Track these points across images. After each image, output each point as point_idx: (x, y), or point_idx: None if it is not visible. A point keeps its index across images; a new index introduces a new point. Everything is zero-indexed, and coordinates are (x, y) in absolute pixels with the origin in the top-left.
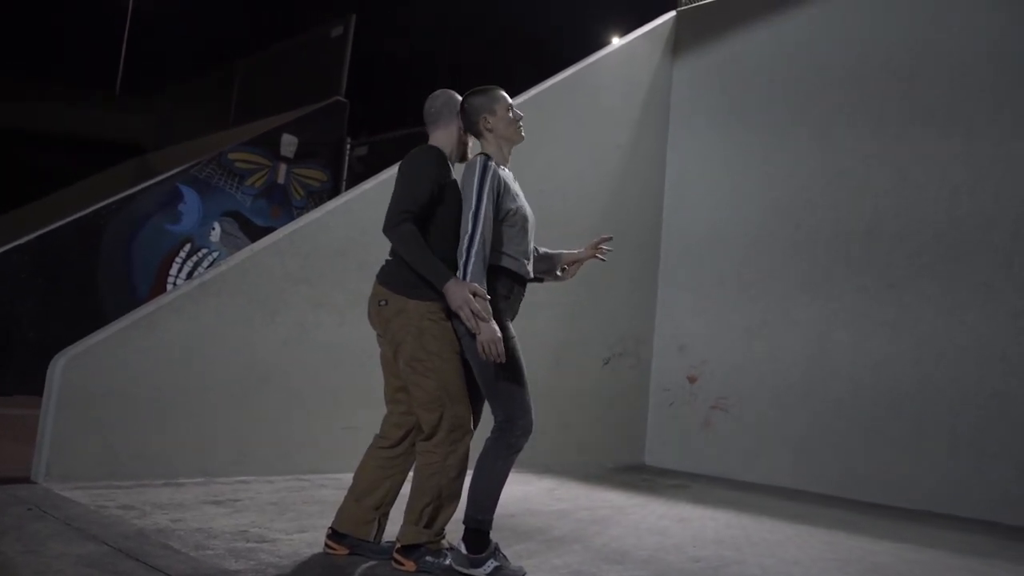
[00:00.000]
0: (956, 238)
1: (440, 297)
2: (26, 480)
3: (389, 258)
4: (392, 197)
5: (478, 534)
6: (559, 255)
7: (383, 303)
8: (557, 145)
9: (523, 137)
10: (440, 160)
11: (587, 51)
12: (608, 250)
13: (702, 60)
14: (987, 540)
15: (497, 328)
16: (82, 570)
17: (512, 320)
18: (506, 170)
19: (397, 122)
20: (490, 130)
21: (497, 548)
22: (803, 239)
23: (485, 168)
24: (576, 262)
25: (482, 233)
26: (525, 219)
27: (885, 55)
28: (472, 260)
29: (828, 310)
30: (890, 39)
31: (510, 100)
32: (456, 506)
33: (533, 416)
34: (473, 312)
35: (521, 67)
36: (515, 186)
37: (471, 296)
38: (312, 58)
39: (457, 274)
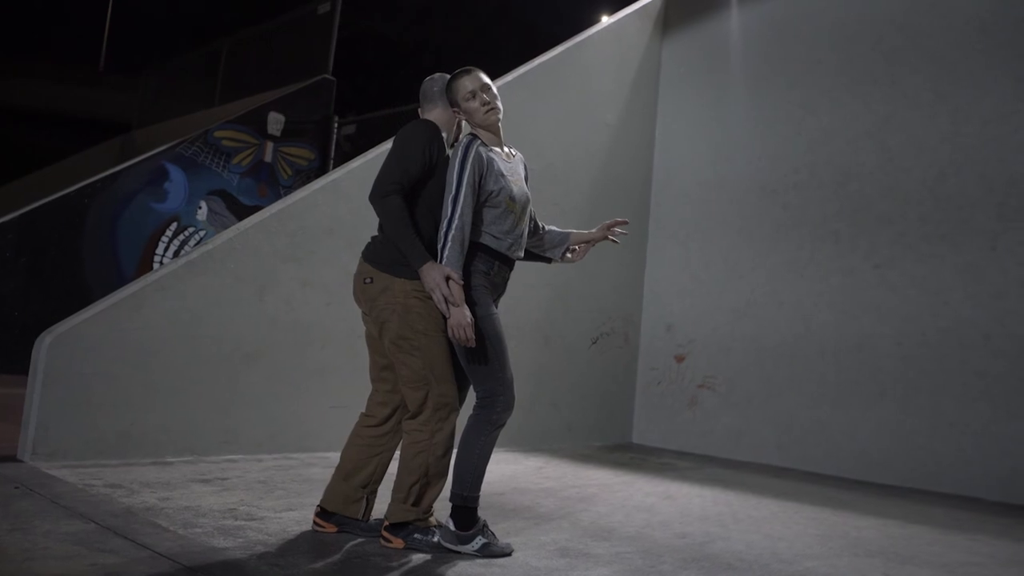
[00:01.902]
0: (941, 219)
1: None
2: (12, 459)
3: (376, 235)
4: (383, 166)
5: (465, 511)
6: (568, 234)
7: (368, 281)
8: (546, 123)
9: (496, 119)
10: (435, 135)
11: (577, 29)
12: (623, 233)
13: (692, 38)
14: (970, 516)
15: (468, 313)
16: (69, 548)
17: (498, 298)
18: (496, 150)
19: (385, 100)
20: (465, 120)
21: (485, 525)
22: (790, 220)
23: (466, 151)
24: (588, 243)
25: (460, 217)
26: (511, 200)
27: (874, 36)
28: (449, 245)
29: (814, 291)
30: (879, 20)
31: (480, 82)
32: (443, 484)
33: (514, 392)
34: (444, 296)
35: (511, 45)
36: (506, 165)
37: (444, 281)
38: (299, 35)
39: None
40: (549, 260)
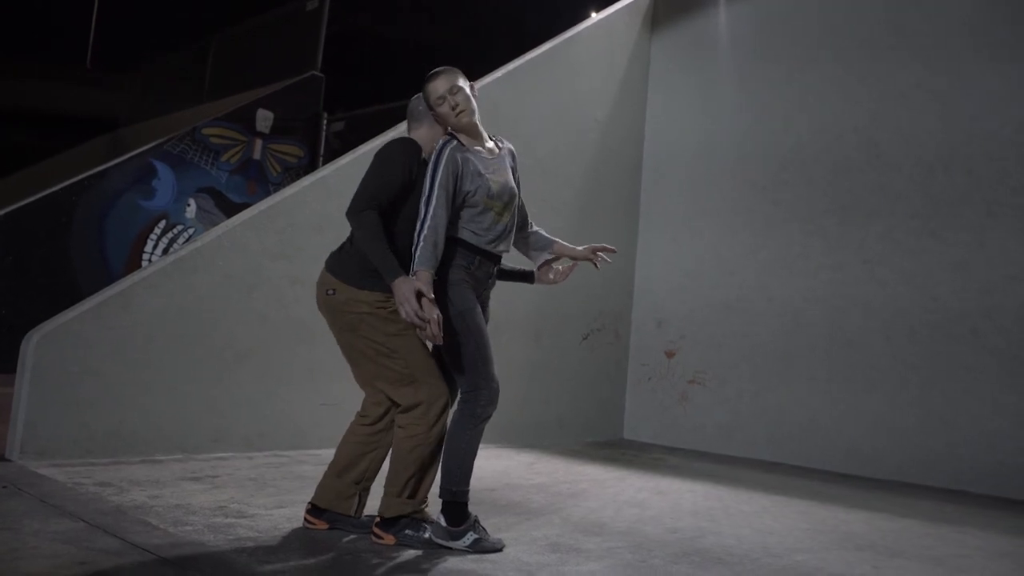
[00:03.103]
0: (930, 215)
1: (389, 289)
2: (0, 458)
3: (345, 244)
4: (361, 182)
5: (456, 506)
6: (553, 242)
7: (331, 292)
8: (535, 120)
9: (468, 120)
10: (415, 152)
11: (566, 25)
12: (607, 260)
13: (680, 34)
14: (957, 509)
15: (435, 311)
16: (58, 547)
17: (486, 291)
18: (476, 148)
19: (374, 97)
20: (442, 123)
21: (477, 521)
22: (779, 216)
23: (439, 154)
24: (573, 260)
25: (432, 218)
26: (489, 198)
27: (863, 33)
28: (421, 244)
29: (804, 286)
30: (867, 17)
31: (449, 84)
32: (435, 473)
33: (498, 385)
34: (413, 311)
35: (500, 41)
36: (486, 162)
37: (413, 296)
38: (287, 32)
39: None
40: (532, 280)
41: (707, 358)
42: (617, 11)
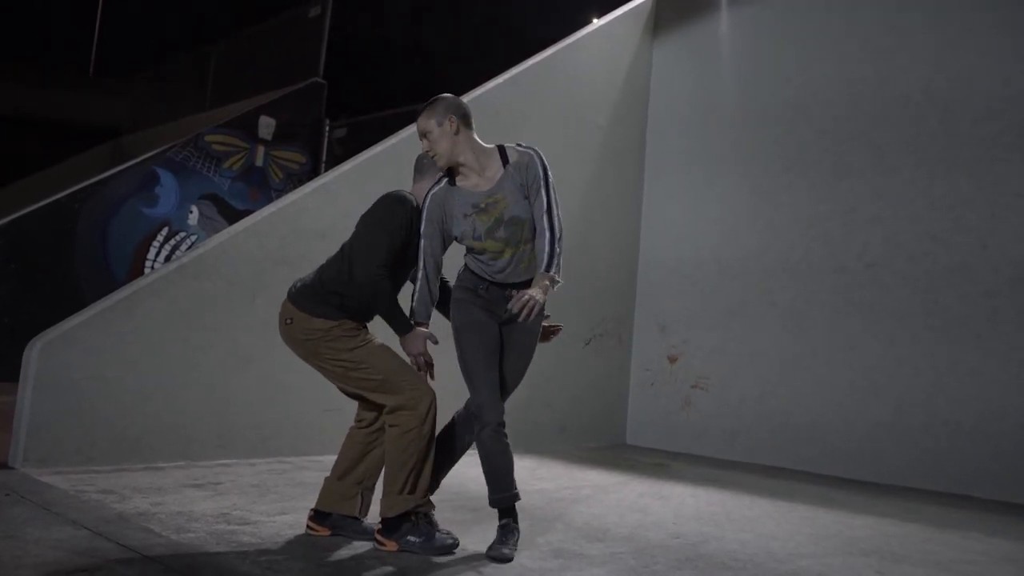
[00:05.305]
0: (933, 218)
1: (346, 317)
2: (3, 465)
3: (313, 277)
4: (365, 244)
5: (502, 512)
6: (539, 273)
7: (289, 322)
8: (537, 125)
9: (442, 163)
10: (411, 209)
11: (567, 31)
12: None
13: (682, 39)
14: (963, 514)
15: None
16: (61, 554)
17: (506, 314)
18: (463, 186)
19: (376, 103)
20: None
21: (506, 526)
22: (782, 220)
23: (424, 201)
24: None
25: (423, 268)
26: (475, 239)
27: (864, 35)
28: (416, 297)
29: (806, 290)
30: (868, 20)
31: (420, 129)
32: (431, 466)
33: (492, 395)
34: (425, 362)
35: (501, 46)
36: (475, 197)
37: (425, 348)
38: (289, 39)
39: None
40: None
41: (710, 362)
42: (619, 17)
